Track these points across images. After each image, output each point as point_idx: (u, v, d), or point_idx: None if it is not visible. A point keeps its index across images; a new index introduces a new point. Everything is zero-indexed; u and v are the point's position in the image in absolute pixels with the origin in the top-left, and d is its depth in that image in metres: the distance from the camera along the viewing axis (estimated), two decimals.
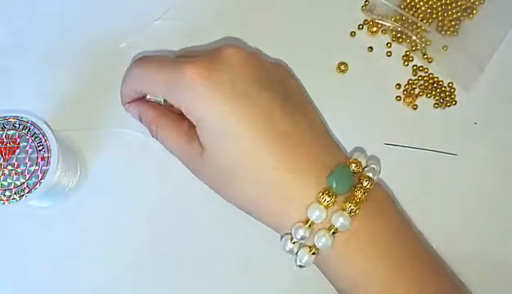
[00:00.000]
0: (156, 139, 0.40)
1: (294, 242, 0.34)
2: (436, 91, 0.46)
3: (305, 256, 0.34)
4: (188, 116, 0.36)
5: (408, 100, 0.46)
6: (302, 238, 0.34)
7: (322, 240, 0.33)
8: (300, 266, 0.35)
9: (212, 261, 0.43)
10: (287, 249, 0.35)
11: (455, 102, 0.46)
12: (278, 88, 0.37)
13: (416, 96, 0.47)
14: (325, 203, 0.33)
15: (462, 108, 0.46)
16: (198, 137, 0.36)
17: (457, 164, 0.45)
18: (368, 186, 0.35)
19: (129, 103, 0.41)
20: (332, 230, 0.34)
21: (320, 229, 0.34)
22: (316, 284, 0.42)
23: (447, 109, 0.47)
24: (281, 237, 0.36)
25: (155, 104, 0.41)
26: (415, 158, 0.45)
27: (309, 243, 0.34)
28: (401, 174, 0.45)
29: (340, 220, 0.33)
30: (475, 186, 0.45)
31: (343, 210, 0.34)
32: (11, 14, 0.47)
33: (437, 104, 0.46)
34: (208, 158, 0.36)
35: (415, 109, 0.47)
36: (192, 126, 0.37)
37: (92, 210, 0.43)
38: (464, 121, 0.46)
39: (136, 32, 0.46)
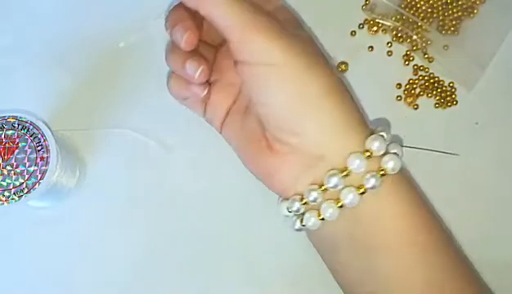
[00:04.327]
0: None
1: (323, 190, 0.32)
2: (437, 90, 0.46)
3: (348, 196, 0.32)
4: None
5: (409, 100, 0.46)
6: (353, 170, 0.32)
7: (371, 181, 0.32)
8: (302, 227, 0.34)
9: (211, 261, 0.43)
10: (311, 198, 0.32)
11: (456, 102, 0.46)
12: None
13: (417, 96, 0.46)
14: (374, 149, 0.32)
15: (463, 108, 0.46)
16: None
17: (458, 164, 0.45)
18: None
19: None
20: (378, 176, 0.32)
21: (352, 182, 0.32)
22: (316, 282, 0.42)
23: (448, 108, 0.46)
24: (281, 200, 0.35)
25: None
26: (416, 158, 0.45)
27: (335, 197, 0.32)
28: None
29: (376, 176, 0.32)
30: (476, 186, 0.45)
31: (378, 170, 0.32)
32: (10, 14, 0.47)
33: (438, 103, 0.46)
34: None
35: (415, 108, 0.46)
36: None
37: (92, 210, 0.43)
38: (465, 121, 0.46)
39: (135, 31, 0.46)
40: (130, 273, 0.43)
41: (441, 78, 0.47)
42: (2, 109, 0.39)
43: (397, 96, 0.46)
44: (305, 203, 0.33)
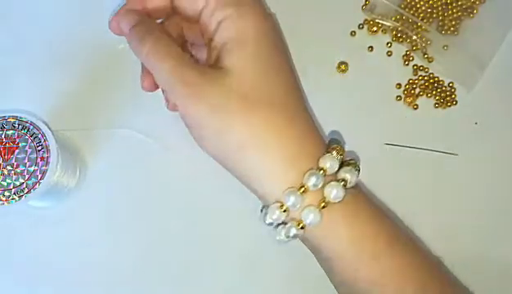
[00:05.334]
0: (143, 57, 0.35)
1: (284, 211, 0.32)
2: (436, 90, 0.46)
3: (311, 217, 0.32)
4: (222, 31, 0.33)
5: (408, 100, 0.46)
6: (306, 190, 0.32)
7: (310, 216, 0.31)
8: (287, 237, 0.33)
9: (211, 261, 0.43)
10: (267, 222, 0.33)
11: (456, 102, 0.46)
12: None
13: (417, 96, 0.46)
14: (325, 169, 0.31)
15: (463, 108, 0.46)
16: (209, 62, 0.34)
17: (458, 164, 0.45)
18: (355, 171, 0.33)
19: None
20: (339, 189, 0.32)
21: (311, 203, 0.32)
22: (316, 282, 0.42)
23: (448, 108, 0.46)
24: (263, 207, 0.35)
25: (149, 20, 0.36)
26: (415, 158, 0.45)
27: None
28: (401, 174, 0.45)
29: (334, 192, 0.31)
30: (476, 186, 0.45)
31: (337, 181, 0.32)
32: (11, 14, 0.47)
33: (438, 103, 0.46)
34: (232, 81, 0.32)
35: (415, 108, 0.46)
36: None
37: (92, 210, 0.43)
38: (465, 121, 0.46)
39: None
40: (130, 273, 0.43)
41: (441, 78, 0.47)
42: (2, 109, 0.40)
43: (397, 96, 0.46)
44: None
